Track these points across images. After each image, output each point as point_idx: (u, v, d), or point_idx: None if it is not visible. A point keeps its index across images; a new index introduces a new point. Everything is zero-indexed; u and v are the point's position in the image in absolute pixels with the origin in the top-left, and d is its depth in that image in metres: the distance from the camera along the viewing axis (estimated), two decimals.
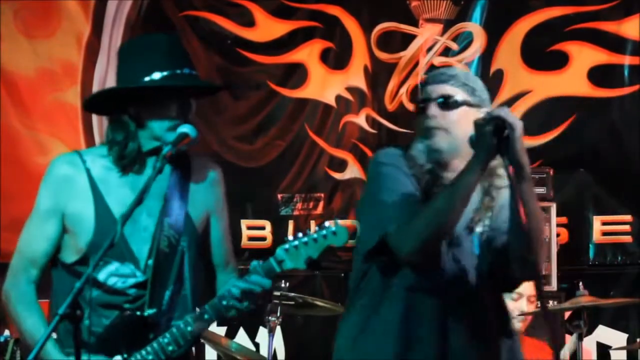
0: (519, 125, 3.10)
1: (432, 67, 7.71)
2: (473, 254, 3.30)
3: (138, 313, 3.22)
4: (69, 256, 3.29)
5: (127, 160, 3.27)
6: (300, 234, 3.18)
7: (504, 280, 3.32)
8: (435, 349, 3.23)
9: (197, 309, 3.29)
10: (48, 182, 3.34)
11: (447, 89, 3.32)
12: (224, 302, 3.21)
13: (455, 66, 3.45)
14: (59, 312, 2.76)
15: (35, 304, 3.30)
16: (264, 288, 3.19)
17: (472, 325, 3.27)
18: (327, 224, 3.14)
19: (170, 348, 3.20)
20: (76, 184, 3.29)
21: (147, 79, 3.22)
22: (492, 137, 3.07)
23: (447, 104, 3.30)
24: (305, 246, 3.15)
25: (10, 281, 3.33)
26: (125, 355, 3.19)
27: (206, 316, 3.23)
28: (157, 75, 3.22)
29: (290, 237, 3.18)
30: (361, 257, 3.32)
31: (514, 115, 3.12)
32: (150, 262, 3.24)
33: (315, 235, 3.14)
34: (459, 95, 3.32)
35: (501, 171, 3.24)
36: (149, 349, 3.19)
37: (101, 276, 3.22)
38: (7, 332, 6.22)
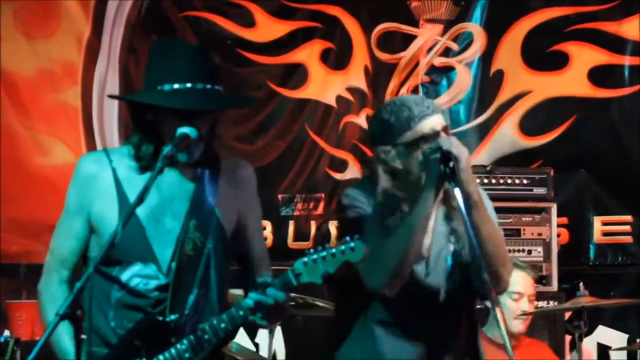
0: (464, 157, 3.22)
1: (432, 68, 7.72)
2: (447, 274, 3.43)
3: (160, 318, 3.20)
4: (95, 254, 3.27)
5: (144, 162, 3.26)
6: (320, 248, 3.14)
7: (475, 293, 3.46)
8: None
9: (214, 318, 3.24)
10: (75, 181, 3.33)
11: (443, 118, 3.43)
12: (240, 312, 3.18)
13: (419, 95, 3.61)
14: (58, 312, 2.74)
15: None
16: (277, 301, 3.15)
17: (448, 341, 3.43)
18: (347, 238, 3.11)
19: (187, 355, 3.16)
20: (101, 183, 3.27)
21: (159, 87, 3.20)
22: (438, 165, 3.21)
23: (445, 132, 3.40)
24: (324, 261, 3.10)
25: (43, 281, 3.36)
26: None
27: (222, 325, 3.19)
28: (167, 87, 3.20)
29: (310, 251, 3.14)
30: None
31: (459, 146, 3.24)
32: (174, 265, 3.22)
33: (333, 251, 3.10)
34: (446, 121, 3.45)
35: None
36: (167, 355, 3.17)
37: (124, 276, 3.22)
38: (7, 333, 6.23)
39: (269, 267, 3.48)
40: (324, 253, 3.11)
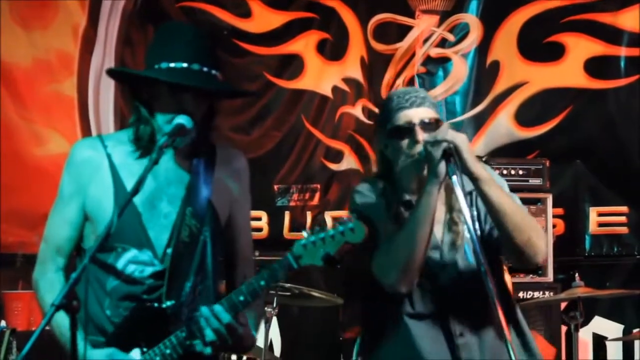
0: (462, 141, 3.21)
1: (428, 59, 7.72)
2: (467, 264, 3.40)
3: (156, 305, 3.18)
4: (90, 243, 3.24)
5: (143, 142, 3.24)
6: (318, 228, 3.12)
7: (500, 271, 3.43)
8: None
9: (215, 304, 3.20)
10: (69, 167, 3.29)
11: (427, 111, 3.40)
12: (241, 298, 3.17)
13: (415, 87, 3.59)
14: (54, 303, 2.72)
15: None
16: (219, 320, 3.11)
17: (481, 332, 3.38)
18: (345, 218, 3.09)
19: (188, 342, 3.14)
20: (97, 168, 3.24)
21: (156, 66, 3.18)
22: (441, 159, 3.21)
23: (431, 125, 3.37)
24: (323, 243, 3.09)
25: (38, 270, 3.32)
26: (144, 349, 3.15)
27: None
28: (164, 65, 3.17)
29: (308, 233, 3.12)
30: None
31: (454, 133, 3.23)
32: (169, 251, 3.20)
33: (332, 232, 3.09)
34: (435, 114, 3.41)
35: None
36: (167, 342, 3.14)
37: (120, 264, 3.19)
38: (3, 323, 6.23)
39: (252, 264, 3.46)
40: (323, 235, 3.09)
